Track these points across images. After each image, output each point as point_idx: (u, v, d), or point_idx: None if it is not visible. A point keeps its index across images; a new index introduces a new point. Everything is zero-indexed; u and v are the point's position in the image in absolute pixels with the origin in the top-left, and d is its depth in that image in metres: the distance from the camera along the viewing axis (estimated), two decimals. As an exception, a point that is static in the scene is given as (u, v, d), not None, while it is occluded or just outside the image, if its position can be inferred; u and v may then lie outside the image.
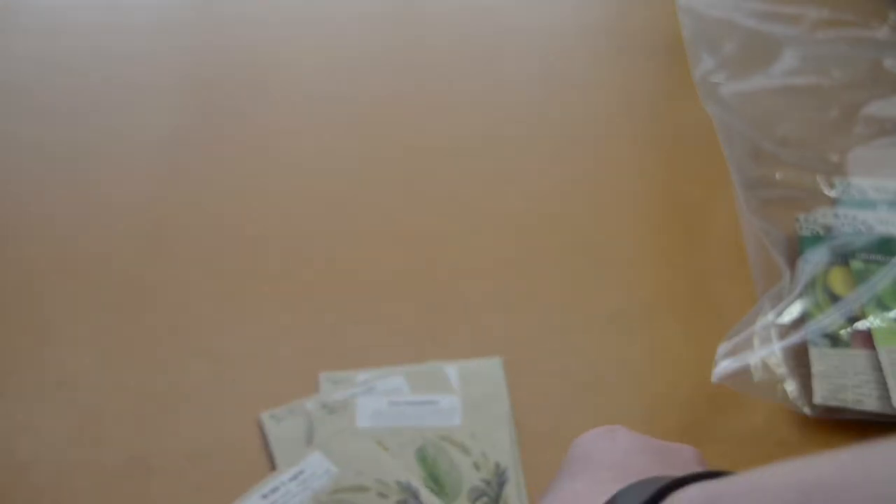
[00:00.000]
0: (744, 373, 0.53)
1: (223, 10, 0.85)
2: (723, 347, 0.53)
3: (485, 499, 0.48)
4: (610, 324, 0.59)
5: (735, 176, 0.64)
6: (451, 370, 0.55)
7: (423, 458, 0.50)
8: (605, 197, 0.68)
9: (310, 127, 0.73)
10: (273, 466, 0.50)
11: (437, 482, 0.49)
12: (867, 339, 0.54)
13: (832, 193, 0.64)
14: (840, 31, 0.76)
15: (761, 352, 0.53)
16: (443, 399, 0.53)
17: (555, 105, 0.75)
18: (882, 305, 0.55)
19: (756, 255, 0.59)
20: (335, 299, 0.60)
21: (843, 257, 0.59)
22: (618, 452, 0.39)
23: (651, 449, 0.39)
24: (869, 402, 0.51)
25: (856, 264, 0.58)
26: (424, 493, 0.48)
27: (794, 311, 0.56)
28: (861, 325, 0.55)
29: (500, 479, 0.49)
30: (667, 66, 0.77)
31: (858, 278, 0.57)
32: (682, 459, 0.39)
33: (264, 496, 0.48)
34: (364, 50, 0.81)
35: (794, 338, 0.54)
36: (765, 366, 0.53)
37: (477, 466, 0.50)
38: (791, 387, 0.52)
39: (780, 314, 0.55)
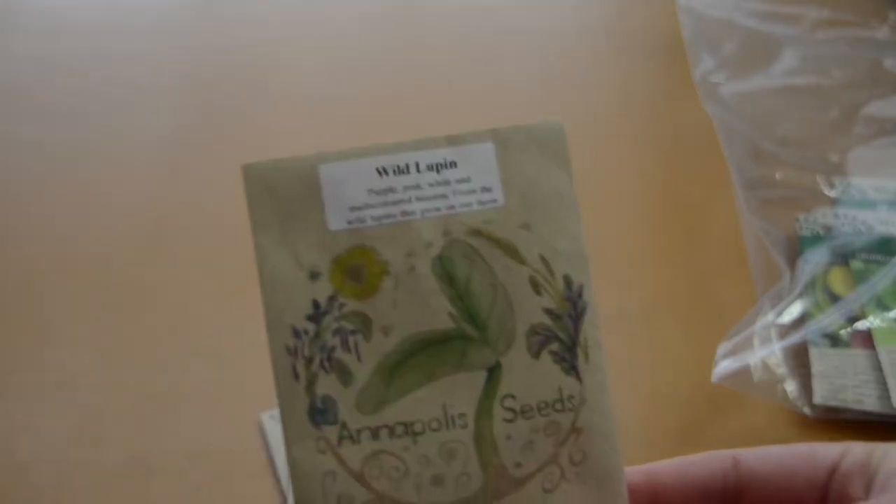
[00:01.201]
0: (744, 373, 0.53)
1: (223, 10, 0.85)
2: (723, 347, 0.53)
3: (555, 345, 0.31)
4: (609, 324, 0.58)
5: (735, 176, 0.64)
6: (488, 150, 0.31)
7: (451, 275, 0.29)
8: (605, 197, 0.67)
9: (310, 127, 0.73)
10: (273, 467, 0.50)
11: (474, 320, 0.29)
12: (867, 339, 0.54)
13: (832, 193, 0.64)
14: (840, 31, 0.76)
15: (761, 352, 0.53)
16: (471, 159, 0.31)
17: (555, 105, 0.75)
18: (882, 305, 0.55)
19: (756, 255, 0.59)
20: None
21: (843, 257, 0.59)
22: None
23: None
24: (869, 402, 0.51)
25: (856, 264, 0.58)
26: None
27: (794, 311, 0.56)
28: (861, 325, 0.55)
29: (575, 305, 0.31)
30: (667, 66, 0.78)
31: (858, 278, 0.57)
32: None
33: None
34: (364, 50, 0.81)
35: (794, 338, 0.54)
36: (765, 366, 0.53)
37: (537, 285, 0.30)
38: (791, 387, 0.52)
39: (780, 314, 0.55)
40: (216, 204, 0.66)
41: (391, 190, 0.30)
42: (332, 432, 0.28)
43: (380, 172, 0.31)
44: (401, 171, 0.30)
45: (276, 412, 0.49)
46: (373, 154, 0.31)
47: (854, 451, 0.33)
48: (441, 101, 0.75)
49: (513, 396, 0.29)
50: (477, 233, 0.30)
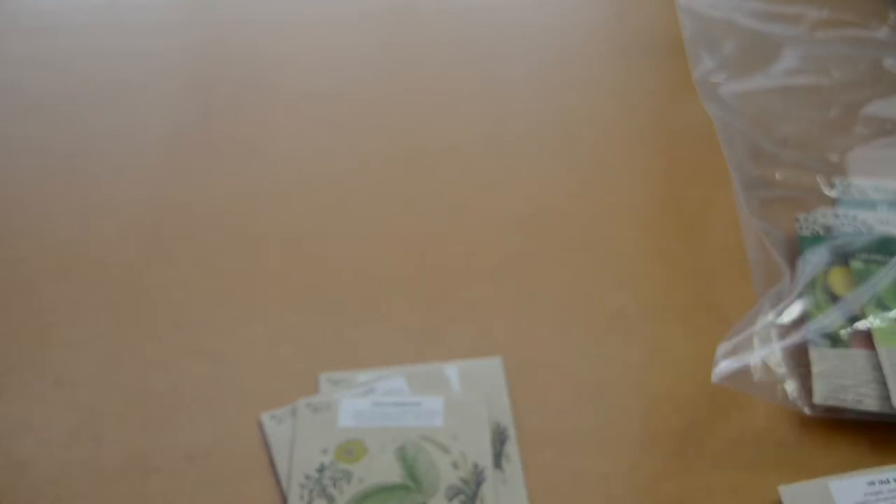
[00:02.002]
0: (744, 373, 0.53)
1: (223, 9, 0.85)
2: (723, 347, 0.53)
3: (462, 497, 0.50)
4: (609, 324, 0.59)
5: (735, 176, 0.64)
6: (452, 370, 0.55)
7: (404, 456, 0.51)
8: (605, 196, 0.68)
9: (310, 127, 0.73)
10: (273, 466, 0.51)
11: (414, 480, 0.50)
12: (867, 339, 0.54)
13: (832, 193, 0.64)
14: (840, 31, 0.76)
15: (761, 352, 0.53)
16: (426, 401, 0.53)
17: (555, 105, 0.75)
18: (882, 305, 0.55)
19: (756, 255, 0.59)
20: (336, 299, 0.60)
21: (843, 257, 0.59)
22: None
23: None
24: (869, 402, 0.51)
25: (856, 264, 0.58)
26: (488, 485, 0.50)
27: (794, 311, 0.56)
28: (861, 325, 0.55)
29: (477, 478, 0.50)
30: (667, 66, 0.78)
31: (858, 278, 0.57)
32: None
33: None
34: (364, 49, 0.81)
35: (794, 338, 0.54)
36: (765, 366, 0.53)
37: (455, 465, 0.51)
38: (791, 387, 0.52)
39: (780, 314, 0.55)
40: (216, 204, 0.66)
41: (381, 407, 0.54)
42: None
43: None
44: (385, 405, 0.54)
45: (276, 412, 0.49)
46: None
47: None
48: (441, 101, 0.76)
49: None
50: (424, 438, 0.52)
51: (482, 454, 0.51)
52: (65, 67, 0.78)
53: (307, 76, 0.78)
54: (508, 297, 0.60)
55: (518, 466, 0.51)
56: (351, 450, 0.51)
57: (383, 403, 0.53)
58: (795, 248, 0.60)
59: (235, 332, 0.58)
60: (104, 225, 0.65)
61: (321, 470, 0.50)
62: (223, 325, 0.58)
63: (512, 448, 0.52)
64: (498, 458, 0.51)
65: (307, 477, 0.50)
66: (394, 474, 0.50)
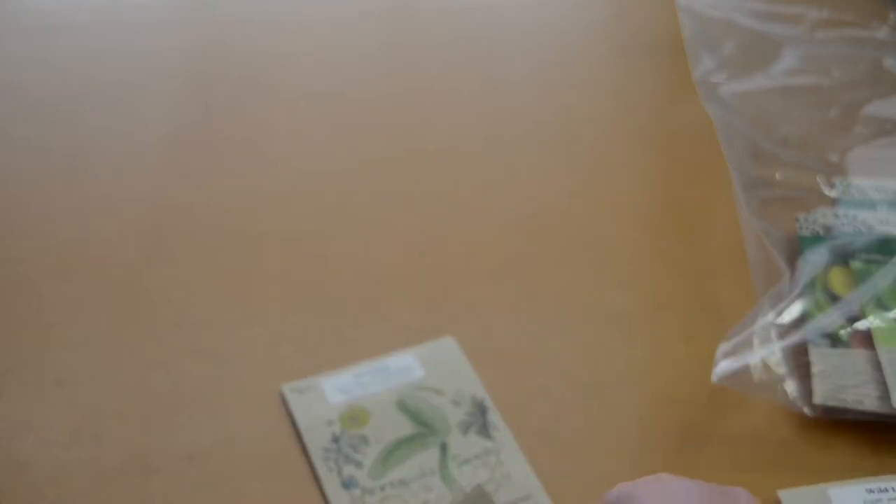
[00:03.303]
0: (744, 373, 0.53)
1: (223, 9, 0.85)
2: (723, 347, 0.53)
3: (474, 427, 0.52)
4: (609, 324, 0.59)
5: (735, 176, 0.64)
6: (409, 358, 0.56)
7: (405, 408, 0.53)
8: (605, 196, 0.68)
9: (310, 126, 0.73)
10: (298, 435, 0.52)
11: (425, 425, 0.52)
12: (867, 339, 0.54)
13: (832, 193, 0.64)
14: (840, 31, 0.76)
15: (761, 352, 0.53)
16: (399, 359, 0.56)
17: (555, 105, 0.75)
18: (882, 305, 0.55)
19: (756, 255, 0.59)
20: (336, 299, 0.60)
21: (843, 257, 0.59)
22: (673, 500, 0.38)
23: (705, 493, 0.38)
24: (869, 402, 0.51)
25: (856, 264, 0.58)
26: (492, 412, 0.53)
27: (794, 311, 0.56)
28: (861, 325, 0.55)
29: (481, 408, 0.53)
30: (667, 66, 0.78)
31: (858, 278, 0.57)
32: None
33: (356, 375, 0.54)
34: (364, 49, 0.81)
35: (794, 338, 0.54)
36: (765, 366, 0.53)
37: (455, 402, 0.53)
38: (791, 387, 0.52)
39: (780, 314, 0.55)
40: (216, 203, 0.66)
41: (361, 377, 0.55)
42: (357, 493, 0.50)
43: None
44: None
45: (297, 383, 0.55)
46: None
47: None
48: (441, 101, 0.76)
49: (457, 455, 0.51)
50: (416, 387, 0.54)
51: (475, 386, 0.54)
52: (65, 67, 0.78)
53: (307, 76, 0.78)
54: (508, 297, 0.60)
55: (508, 433, 0.52)
56: (356, 416, 0.53)
57: (362, 373, 0.55)
58: (795, 248, 0.60)
59: (235, 332, 0.58)
60: (104, 225, 0.65)
61: (336, 440, 0.52)
62: (223, 325, 0.58)
63: (495, 418, 0.53)
64: (484, 428, 0.52)
65: (326, 450, 0.51)
66: (405, 427, 0.52)
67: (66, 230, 0.65)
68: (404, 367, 0.55)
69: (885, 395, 0.51)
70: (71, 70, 0.77)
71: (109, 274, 0.61)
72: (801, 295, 0.56)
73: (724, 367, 0.53)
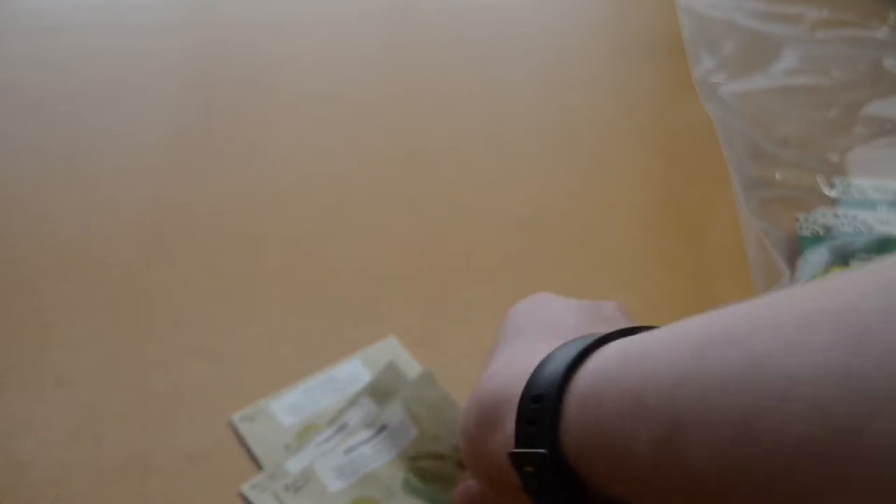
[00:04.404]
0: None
1: (223, 9, 0.85)
2: (723, 347, 0.53)
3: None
4: (610, 324, 0.59)
5: (735, 176, 0.64)
6: (355, 365, 0.56)
7: (410, 487, 0.51)
8: (605, 196, 0.68)
9: (310, 127, 0.73)
10: (257, 462, 0.51)
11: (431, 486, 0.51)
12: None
13: (832, 193, 0.64)
14: (840, 31, 0.76)
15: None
16: (345, 367, 0.55)
17: (555, 105, 0.75)
18: (882, 305, 0.55)
19: (756, 255, 0.59)
20: (336, 299, 0.60)
21: (843, 257, 0.59)
22: (547, 314, 0.41)
23: (578, 308, 0.41)
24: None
25: (856, 264, 0.58)
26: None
27: (794, 311, 0.55)
28: (861, 325, 0.54)
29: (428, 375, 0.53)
30: (667, 66, 0.78)
31: (858, 278, 0.57)
32: (606, 313, 0.42)
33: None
34: (364, 49, 0.81)
35: (794, 338, 0.54)
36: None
37: (461, 465, 0.51)
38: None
39: (780, 314, 0.55)
40: (216, 203, 0.66)
41: (310, 392, 0.55)
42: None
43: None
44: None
45: (246, 412, 0.52)
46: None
47: None
48: (441, 101, 0.76)
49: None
50: (415, 458, 0.50)
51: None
52: (65, 67, 0.78)
53: (307, 76, 0.78)
54: (508, 297, 0.60)
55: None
56: (310, 435, 0.52)
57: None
58: (795, 248, 0.60)
59: (235, 332, 0.58)
60: (104, 225, 0.65)
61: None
62: (223, 325, 0.58)
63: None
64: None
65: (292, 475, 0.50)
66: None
67: (66, 230, 0.65)
68: (351, 375, 0.55)
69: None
70: (71, 70, 0.77)
71: (109, 274, 0.61)
72: (801, 295, 0.56)
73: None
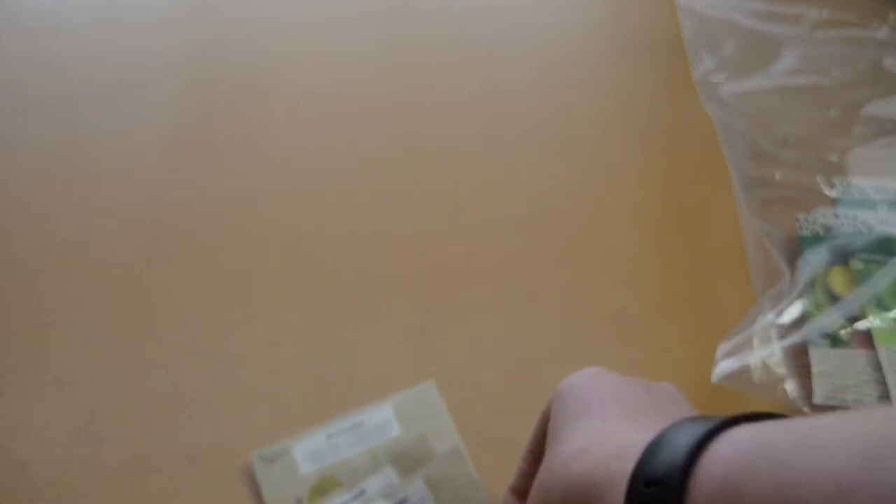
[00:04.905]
0: (744, 373, 0.53)
1: (222, 9, 0.85)
2: (723, 347, 0.53)
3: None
4: (610, 324, 0.59)
5: (735, 176, 0.64)
6: (386, 411, 0.54)
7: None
8: (605, 196, 0.68)
9: (309, 127, 0.73)
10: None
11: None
12: (867, 339, 0.54)
13: (832, 193, 0.64)
14: (840, 31, 0.76)
15: (761, 352, 0.53)
16: (371, 414, 0.53)
17: (555, 105, 0.75)
18: (882, 305, 0.55)
19: (756, 255, 0.59)
20: (336, 299, 0.60)
21: (843, 257, 0.59)
22: (609, 391, 0.39)
23: (639, 386, 0.40)
24: (869, 402, 0.51)
25: (856, 264, 0.58)
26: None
27: (794, 311, 0.56)
28: (861, 325, 0.55)
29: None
30: (667, 66, 0.77)
31: (858, 278, 0.57)
32: (670, 394, 0.40)
33: (329, 436, 0.50)
34: (364, 49, 0.81)
35: (794, 338, 0.54)
36: (765, 366, 0.53)
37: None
38: (791, 387, 0.52)
39: (780, 314, 0.55)
40: (216, 203, 0.66)
41: (334, 438, 0.52)
42: None
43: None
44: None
45: (266, 451, 0.51)
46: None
47: None
48: (441, 101, 0.75)
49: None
50: (388, 449, 0.51)
51: (451, 438, 0.52)
52: (65, 67, 0.77)
53: (307, 76, 0.78)
54: (508, 297, 0.60)
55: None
56: (326, 490, 0.50)
57: (336, 433, 0.51)
58: (795, 248, 0.60)
59: (235, 332, 0.58)
60: (104, 225, 0.65)
61: None
62: (223, 325, 0.58)
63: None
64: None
65: None
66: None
67: (66, 230, 0.64)
68: (380, 423, 0.53)
69: (885, 395, 0.51)
70: (71, 70, 0.77)
71: (109, 274, 0.61)
72: (801, 295, 0.56)
73: (724, 367, 0.53)
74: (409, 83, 0.78)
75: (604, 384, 0.39)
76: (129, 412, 0.54)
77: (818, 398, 0.51)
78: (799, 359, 0.54)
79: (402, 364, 0.56)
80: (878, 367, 0.52)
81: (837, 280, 0.58)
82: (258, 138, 0.72)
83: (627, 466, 0.32)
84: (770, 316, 0.55)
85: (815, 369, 0.53)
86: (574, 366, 0.56)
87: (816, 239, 0.60)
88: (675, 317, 0.59)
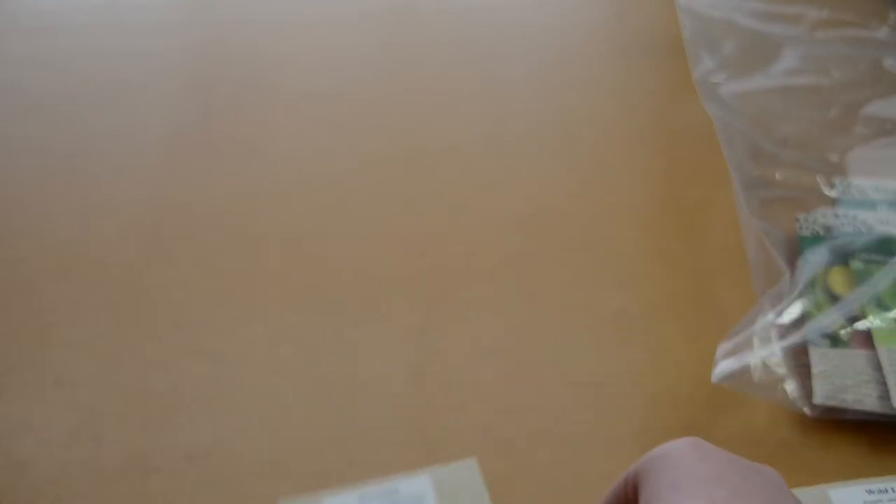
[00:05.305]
0: (744, 373, 0.53)
1: (222, 9, 0.85)
2: (723, 347, 0.53)
3: None
4: (610, 324, 0.59)
5: (735, 176, 0.64)
6: (424, 482, 0.51)
7: None
8: (605, 196, 0.68)
9: (310, 127, 0.73)
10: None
11: None
12: (867, 339, 0.54)
13: (832, 193, 0.64)
14: (840, 31, 0.76)
15: (761, 352, 0.53)
16: (408, 483, 0.50)
17: (555, 105, 0.75)
18: (882, 305, 0.55)
19: (756, 255, 0.59)
20: (336, 299, 0.60)
21: (843, 257, 0.59)
22: (714, 468, 0.37)
23: (742, 467, 0.38)
24: (869, 402, 0.51)
25: (856, 264, 0.58)
26: None
27: (794, 311, 0.56)
28: (861, 325, 0.55)
29: None
30: (667, 66, 0.78)
31: (858, 278, 0.57)
32: (775, 483, 0.38)
33: (361, 498, 0.47)
34: (364, 49, 0.81)
35: (794, 338, 0.54)
36: (765, 366, 0.53)
37: None
38: (791, 387, 0.52)
39: (780, 314, 0.55)
40: (216, 203, 0.66)
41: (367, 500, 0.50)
42: None
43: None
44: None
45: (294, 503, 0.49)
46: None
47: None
48: (441, 101, 0.75)
49: None
50: None
51: None
52: (65, 67, 0.78)
53: (307, 76, 0.78)
54: (508, 297, 0.60)
55: None
56: None
57: (370, 498, 0.49)
58: (795, 248, 0.60)
59: (235, 332, 0.58)
60: (104, 225, 0.65)
61: None
62: (223, 325, 0.58)
63: None
64: None
65: None
66: None
67: (66, 230, 0.65)
68: (416, 493, 0.49)
69: (885, 394, 0.51)
70: (71, 70, 0.77)
71: (109, 274, 0.61)
72: (801, 295, 0.56)
73: (724, 367, 0.53)
74: (409, 83, 0.78)
75: (708, 460, 0.37)
76: (129, 412, 0.54)
77: (818, 398, 0.51)
78: (799, 359, 0.54)
79: (402, 364, 0.56)
80: (878, 367, 0.52)
81: (837, 280, 0.58)
82: (258, 138, 0.72)
83: None
84: (770, 316, 0.55)
85: (815, 369, 0.53)
86: (574, 366, 0.56)
87: (816, 239, 0.60)
88: (675, 317, 0.59)
